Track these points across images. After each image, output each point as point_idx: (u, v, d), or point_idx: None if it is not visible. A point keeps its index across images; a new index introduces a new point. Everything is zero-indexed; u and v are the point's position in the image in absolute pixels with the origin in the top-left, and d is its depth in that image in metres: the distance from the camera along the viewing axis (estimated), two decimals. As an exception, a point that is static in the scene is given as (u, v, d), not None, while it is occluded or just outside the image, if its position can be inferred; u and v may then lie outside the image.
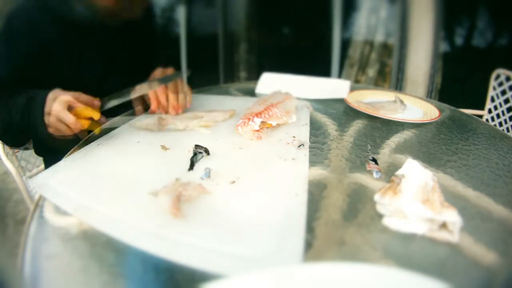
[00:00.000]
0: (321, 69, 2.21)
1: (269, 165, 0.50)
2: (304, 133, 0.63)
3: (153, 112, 0.69)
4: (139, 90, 0.66)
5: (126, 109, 0.73)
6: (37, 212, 0.40)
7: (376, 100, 0.83)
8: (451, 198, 0.41)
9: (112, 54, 0.75)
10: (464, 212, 0.38)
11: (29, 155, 0.89)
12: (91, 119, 0.58)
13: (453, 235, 0.36)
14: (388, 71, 2.08)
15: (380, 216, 0.39)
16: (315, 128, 0.67)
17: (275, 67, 1.11)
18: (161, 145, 0.56)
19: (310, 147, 0.57)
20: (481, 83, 1.24)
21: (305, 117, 0.71)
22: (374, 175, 0.49)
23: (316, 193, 0.44)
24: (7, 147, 0.79)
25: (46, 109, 0.56)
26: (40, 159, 0.86)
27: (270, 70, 1.06)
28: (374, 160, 0.52)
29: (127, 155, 0.54)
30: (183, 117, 0.67)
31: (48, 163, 0.79)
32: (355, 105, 0.78)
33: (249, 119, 0.62)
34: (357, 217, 0.40)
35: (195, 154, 0.52)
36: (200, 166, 0.49)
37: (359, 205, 0.42)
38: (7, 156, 0.77)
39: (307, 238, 0.36)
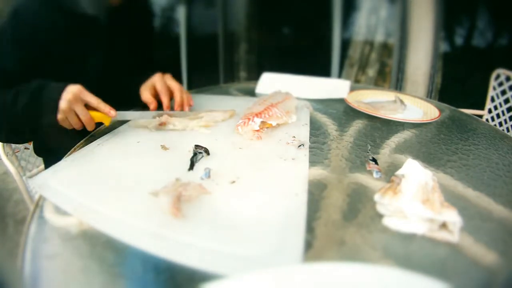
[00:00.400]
0: (321, 69, 2.21)
1: (269, 165, 0.50)
2: (304, 133, 0.63)
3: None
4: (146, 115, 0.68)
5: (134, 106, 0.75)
6: (37, 212, 0.40)
7: (376, 100, 0.83)
8: (451, 198, 0.41)
9: (113, 47, 0.75)
10: (464, 212, 0.38)
11: (29, 155, 0.89)
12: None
13: (453, 235, 0.36)
14: (388, 71, 2.08)
15: (380, 216, 0.39)
16: (315, 128, 0.67)
17: (275, 67, 1.11)
18: (161, 145, 0.56)
19: (310, 147, 0.57)
20: (481, 83, 1.24)
21: (305, 117, 0.71)
22: (374, 175, 0.49)
23: (316, 193, 0.44)
24: (7, 147, 0.79)
25: (65, 94, 0.56)
26: (40, 159, 0.85)
27: (270, 70, 1.06)
28: (374, 160, 0.52)
29: (127, 155, 0.54)
30: (183, 117, 0.67)
31: (48, 163, 0.78)
32: (355, 105, 0.78)
33: (249, 119, 0.62)
34: (357, 217, 0.40)
35: (195, 154, 0.52)
36: (200, 166, 0.49)
37: (359, 205, 0.42)
38: (7, 156, 0.78)
39: (307, 238, 0.36)
